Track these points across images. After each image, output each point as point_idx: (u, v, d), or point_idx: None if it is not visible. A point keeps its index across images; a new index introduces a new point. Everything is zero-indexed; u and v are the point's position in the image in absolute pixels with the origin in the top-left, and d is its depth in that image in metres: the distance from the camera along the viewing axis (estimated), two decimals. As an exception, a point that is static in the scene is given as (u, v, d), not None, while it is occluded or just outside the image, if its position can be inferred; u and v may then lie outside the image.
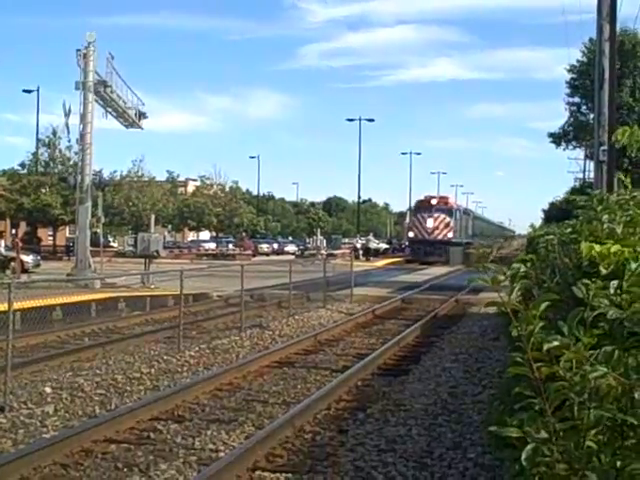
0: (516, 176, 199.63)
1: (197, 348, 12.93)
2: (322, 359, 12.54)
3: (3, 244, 35.96)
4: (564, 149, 38.12)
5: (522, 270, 2.67)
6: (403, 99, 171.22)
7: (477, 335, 15.62)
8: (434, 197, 59.45)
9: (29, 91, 50.51)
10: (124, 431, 7.71)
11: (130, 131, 32.20)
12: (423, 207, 57.72)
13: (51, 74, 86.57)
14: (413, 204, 61.30)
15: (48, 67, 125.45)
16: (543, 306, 2.32)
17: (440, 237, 55.52)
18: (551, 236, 5.95)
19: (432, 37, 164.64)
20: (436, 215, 55.76)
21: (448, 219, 55.91)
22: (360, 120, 67.08)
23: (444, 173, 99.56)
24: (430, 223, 55.69)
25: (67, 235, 60.84)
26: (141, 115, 31.31)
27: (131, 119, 30.46)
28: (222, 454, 7.01)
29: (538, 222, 41.56)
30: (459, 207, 64.67)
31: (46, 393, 9.15)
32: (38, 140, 53.23)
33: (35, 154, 53.83)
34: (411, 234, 58.67)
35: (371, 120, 68.67)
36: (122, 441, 7.38)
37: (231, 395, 9.59)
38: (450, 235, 55.61)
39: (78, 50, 26.62)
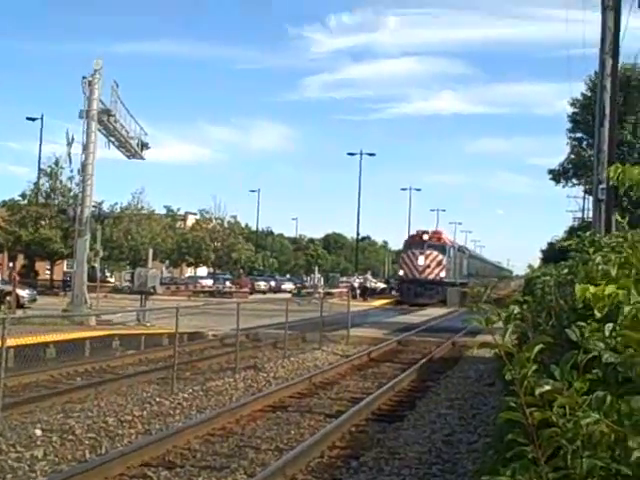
0: (516, 214, 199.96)
1: (191, 390, 12.82)
2: (316, 403, 12.44)
3: (0, 278, 35.87)
4: (563, 186, 38.24)
5: (516, 312, 2.65)
6: (405, 132, 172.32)
7: (473, 380, 15.51)
8: (426, 232, 54.81)
9: (33, 119, 50.74)
10: (114, 477, 7.61)
11: (132, 161, 32.17)
12: (414, 243, 53.66)
13: (55, 101, 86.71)
14: (404, 240, 57.06)
15: (52, 94, 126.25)
16: (537, 349, 2.29)
17: (432, 277, 51.73)
18: (547, 277, 5.94)
19: (436, 69, 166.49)
20: (428, 252, 51.96)
21: (441, 257, 52.21)
22: (361, 154, 67.36)
23: (443, 210, 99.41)
24: (421, 261, 51.83)
25: (64, 269, 60.73)
26: (143, 145, 31.30)
27: (133, 149, 30.42)
28: (212, 504, 6.91)
29: (537, 262, 41.54)
30: (453, 244, 60.89)
31: (36, 436, 9.03)
32: (40, 170, 53.23)
33: (36, 184, 53.74)
34: (401, 272, 54.75)
35: (372, 154, 69.00)
36: (111, 488, 7.28)
37: (224, 440, 9.48)
38: (443, 274, 51.93)
39: (84, 77, 26.44)
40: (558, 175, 37.06)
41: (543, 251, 51.78)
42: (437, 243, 53.29)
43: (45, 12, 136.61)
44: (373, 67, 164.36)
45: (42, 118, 50.51)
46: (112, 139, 28.90)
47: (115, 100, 27.80)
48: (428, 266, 51.68)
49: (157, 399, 11.87)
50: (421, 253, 52.00)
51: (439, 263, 51.96)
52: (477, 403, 12.67)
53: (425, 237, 53.23)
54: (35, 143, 59.91)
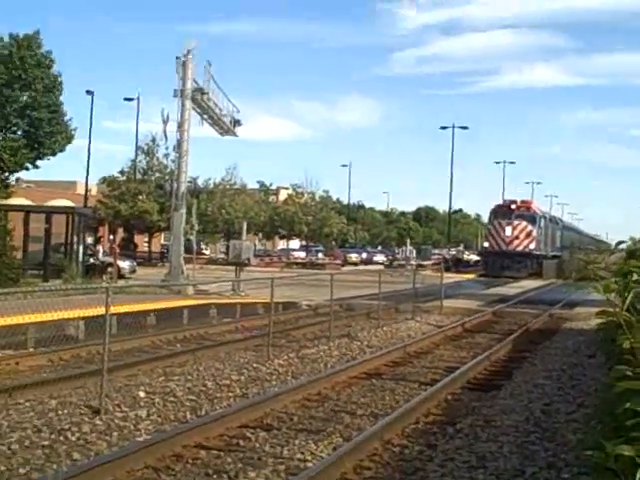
0: (615, 187, 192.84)
1: (286, 357, 13.02)
2: (411, 371, 12.41)
3: (101, 250, 37.22)
4: None
5: (634, 278, 2.54)
6: (499, 106, 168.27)
7: (571, 351, 15.14)
8: (514, 201, 51.52)
9: (130, 99, 52.18)
10: (214, 437, 7.81)
11: (225, 138, 32.78)
12: (501, 213, 50.16)
13: (150, 81, 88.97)
14: (490, 209, 53.06)
15: (147, 74, 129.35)
16: None
17: (520, 248, 48.48)
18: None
19: (528, 42, 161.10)
20: (516, 223, 48.54)
21: (530, 227, 48.65)
22: (453, 128, 66.32)
23: (539, 183, 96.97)
24: (509, 231, 48.47)
25: (162, 242, 62.50)
26: (236, 122, 31.76)
27: (226, 126, 30.95)
28: (310, 464, 7.01)
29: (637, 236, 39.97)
30: (545, 214, 56.24)
31: (139, 397, 9.37)
32: (137, 147, 54.88)
33: (134, 161, 55.48)
34: (486, 244, 51.29)
35: (465, 128, 67.80)
36: (212, 447, 7.48)
37: (319, 405, 9.59)
38: (532, 246, 48.46)
39: (177, 58, 27.05)
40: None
41: (644, 224, 50.48)
42: (526, 213, 49.87)
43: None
44: (464, 41, 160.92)
45: (138, 98, 51.85)
46: (205, 117, 29.45)
47: (208, 79, 28.27)
48: (516, 237, 48.54)
49: (254, 365, 12.11)
50: (508, 224, 48.73)
51: (528, 234, 48.64)
52: (576, 374, 12.37)
53: (513, 207, 50.04)
54: (132, 122, 61.54)
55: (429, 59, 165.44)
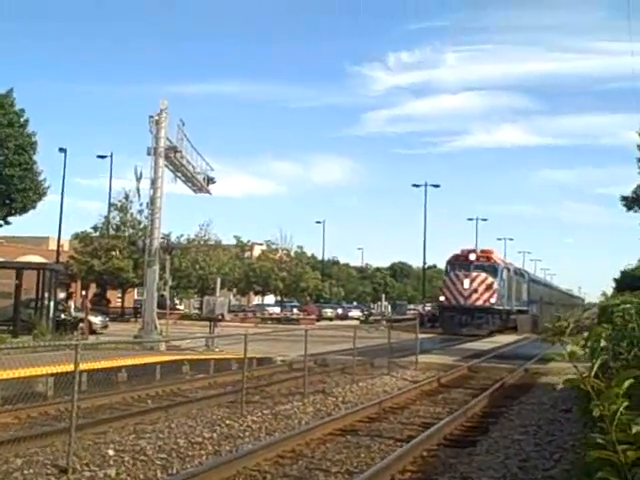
0: (586, 243, 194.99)
1: (260, 413, 12.79)
2: (386, 427, 12.24)
3: (73, 305, 36.77)
4: (635, 211, 37.47)
5: (602, 344, 2.51)
6: (468, 165, 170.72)
7: (548, 406, 15.05)
8: (473, 251, 47.99)
9: (103, 156, 52.30)
10: (184, 497, 7.60)
11: (198, 196, 32.88)
12: (459, 263, 46.45)
13: (123, 140, 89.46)
14: (446, 260, 48.93)
15: (120, 133, 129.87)
16: (626, 384, 2.15)
17: (479, 303, 44.47)
18: (628, 305, 5.72)
19: (497, 103, 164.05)
20: (475, 274, 44.92)
21: (491, 279, 44.91)
22: (426, 186, 67.10)
23: (511, 239, 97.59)
24: (467, 284, 44.61)
25: (135, 297, 61.93)
26: (209, 180, 31.94)
27: (200, 184, 31.10)
28: (283, 524, 6.82)
29: (609, 290, 40.33)
30: (508, 265, 51.83)
31: (109, 455, 9.12)
32: (110, 204, 54.82)
33: (107, 217, 55.38)
34: (442, 298, 46.60)
35: (437, 186, 68.60)
36: (182, 507, 7.26)
37: (293, 463, 9.40)
38: (493, 300, 44.42)
39: (151, 117, 27.42)
40: (632, 202, 36.57)
41: (616, 279, 49.10)
42: (486, 264, 46.13)
43: (111, 57, 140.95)
44: (434, 102, 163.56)
45: (111, 156, 52.07)
46: (179, 174, 29.64)
47: (181, 137, 28.57)
48: (475, 290, 44.70)
49: (227, 422, 11.87)
50: (466, 275, 45.04)
51: (489, 287, 44.86)
52: (553, 429, 12.26)
53: (472, 257, 46.28)
54: (105, 179, 61.57)
55: (400, 119, 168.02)
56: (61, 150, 44.36)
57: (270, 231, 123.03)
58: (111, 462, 8.87)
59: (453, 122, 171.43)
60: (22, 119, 41.07)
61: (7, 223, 42.16)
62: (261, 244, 77.27)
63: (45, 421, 12.03)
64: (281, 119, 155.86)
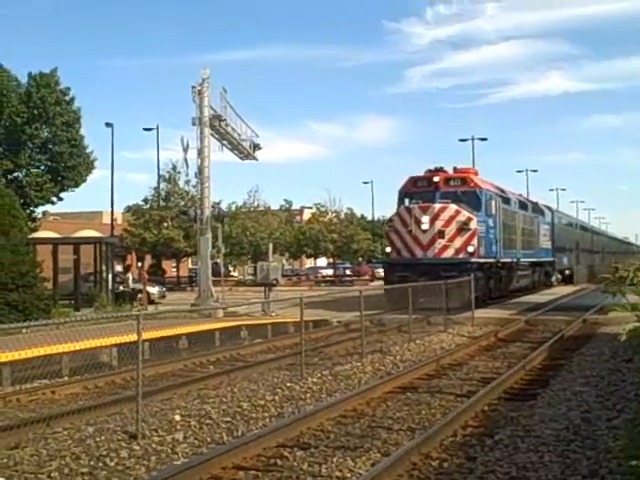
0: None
1: (319, 375, 12.96)
2: (446, 384, 12.30)
3: (131, 277, 37.50)
4: None
5: None
6: (515, 116, 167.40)
7: (608, 357, 14.92)
8: (440, 170, 29.10)
9: (149, 129, 52.74)
10: (251, 458, 7.78)
11: (245, 163, 33.04)
12: (418, 193, 28.70)
13: (168, 112, 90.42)
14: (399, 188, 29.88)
15: (165, 105, 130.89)
16: None
17: (448, 254, 26.91)
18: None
19: (540, 51, 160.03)
20: (440, 206, 27.23)
21: (466, 214, 27.16)
22: (473, 140, 65.96)
23: (563, 189, 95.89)
24: (426, 223, 26.97)
25: (190, 266, 62.86)
26: (255, 146, 32.03)
27: (246, 151, 31.23)
28: (349, 481, 6.95)
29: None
30: (504, 193, 33.18)
31: (175, 421, 9.37)
32: (159, 176, 55.44)
33: (157, 189, 56.05)
34: (388, 250, 28.82)
35: (484, 139, 67.37)
36: (250, 468, 7.45)
37: (355, 422, 9.53)
38: (471, 249, 26.79)
39: (193, 87, 27.55)
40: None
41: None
42: (461, 189, 28.34)
43: (151, 29, 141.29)
44: (475, 54, 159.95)
45: (157, 128, 52.44)
46: (225, 142, 29.79)
47: (225, 105, 28.64)
48: (440, 233, 26.94)
49: (287, 384, 12.07)
50: (425, 209, 27.25)
51: (463, 226, 26.94)
52: (614, 380, 12.17)
53: (437, 179, 28.27)
54: (151, 152, 62.28)
55: (443, 73, 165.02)
56: (108, 125, 44.87)
57: (319, 194, 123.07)
58: (178, 427, 9.11)
59: (497, 73, 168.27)
60: (67, 97, 41.67)
61: (60, 199, 43.06)
62: (310, 208, 77.39)
63: (112, 390, 12.40)
64: (322, 81, 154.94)
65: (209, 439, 8.69)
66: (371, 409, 10.30)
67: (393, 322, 21.59)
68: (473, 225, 27.14)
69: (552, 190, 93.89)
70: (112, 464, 7.57)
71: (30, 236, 28.34)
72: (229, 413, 9.92)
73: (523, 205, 37.11)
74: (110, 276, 30.34)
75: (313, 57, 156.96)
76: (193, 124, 27.63)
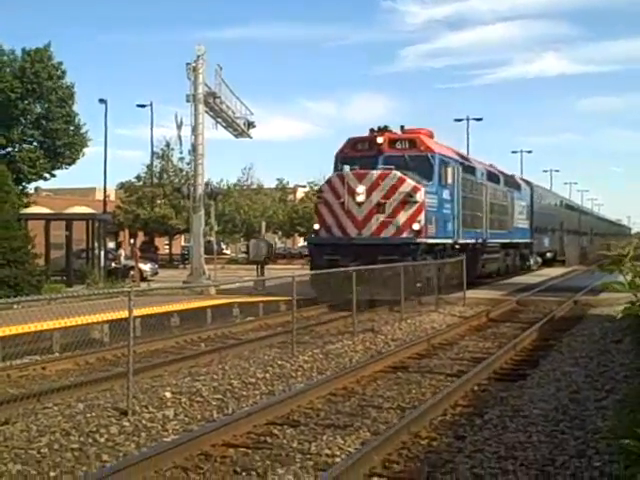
0: (636, 172, 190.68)
1: (310, 353, 13.00)
2: (436, 363, 12.35)
3: (123, 254, 37.45)
4: None
5: None
6: (510, 97, 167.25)
7: (598, 337, 15.00)
8: (385, 130, 23.68)
9: (142, 105, 52.40)
10: (241, 435, 7.81)
11: (239, 140, 32.93)
12: (357, 157, 23.30)
13: (161, 88, 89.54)
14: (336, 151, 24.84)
15: (159, 81, 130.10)
16: None
17: (386, 233, 21.88)
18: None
19: (536, 32, 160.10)
20: (379, 173, 22.10)
21: (412, 184, 21.88)
22: (468, 120, 65.76)
23: (557, 171, 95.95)
24: (361, 194, 21.91)
25: (182, 244, 62.79)
26: (249, 124, 31.92)
27: (240, 128, 31.12)
28: (338, 459, 6.99)
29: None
30: (466, 160, 27.94)
31: (166, 398, 9.38)
32: (153, 153, 55.20)
33: (150, 166, 55.82)
34: (316, 227, 23.46)
35: (479, 119, 67.19)
36: (240, 445, 7.48)
37: (345, 400, 9.57)
38: (417, 227, 21.61)
39: (188, 63, 27.45)
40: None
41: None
42: (409, 154, 23.24)
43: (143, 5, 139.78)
44: (470, 34, 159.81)
45: (151, 104, 52.10)
46: (219, 120, 29.69)
47: (219, 83, 28.54)
48: (379, 206, 21.86)
49: (279, 362, 12.10)
50: (362, 177, 22.07)
51: (407, 199, 21.73)
52: (604, 360, 12.24)
53: (380, 140, 23.23)
54: (145, 129, 61.90)
55: (438, 53, 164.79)
56: (101, 101, 44.55)
57: (312, 173, 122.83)
58: (169, 404, 9.13)
59: (492, 54, 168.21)
60: (60, 71, 41.36)
61: (53, 176, 42.91)
62: (304, 186, 77.27)
63: (103, 366, 12.41)
64: (316, 59, 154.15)
65: (199, 416, 8.71)
66: (361, 388, 10.34)
67: (384, 302, 21.61)
68: (420, 197, 21.74)
69: (545, 171, 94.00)
70: (102, 440, 7.59)
71: (22, 212, 28.26)
72: (220, 390, 9.94)
73: (493, 177, 31.46)
74: (102, 253, 30.30)
75: (308, 35, 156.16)
76: (187, 101, 27.59)
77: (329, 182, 23.23)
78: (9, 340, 12.74)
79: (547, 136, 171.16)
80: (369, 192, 21.84)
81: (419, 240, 21.52)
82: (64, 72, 41.46)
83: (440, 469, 6.67)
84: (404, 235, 21.63)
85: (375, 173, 22.04)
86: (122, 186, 59.55)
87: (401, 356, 12.75)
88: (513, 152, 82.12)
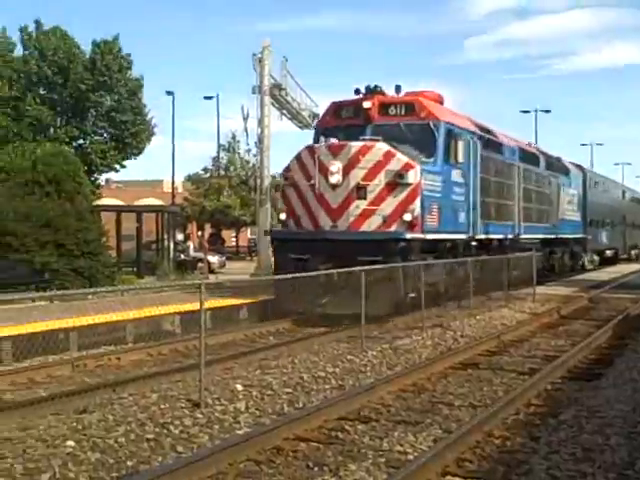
0: None
1: (379, 348, 12.95)
2: (507, 361, 12.16)
3: (192, 246, 38.01)
4: None
5: None
6: (579, 88, 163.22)
7: (676, 337, 14.54)
8: (375, 91, 18.17)
9: (209, 97, 52.97)
10: (313, 430, 7.82)
11: (305, 132, 32.96)
12: (340, 126, 18.51)
13: (228, 80, 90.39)
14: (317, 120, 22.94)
15: (225, 74, 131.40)
16: None
17: (368, 226, 16.55)
18: None
19: (605, 20, 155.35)
20: (358, 146, 16.62)
21: (403, 161, 16.47)
22: (536, 112, 64.41)
23: (628, 164, 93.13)
24: (336, 174, 16.48)
25: (249, 236, 63.36)
26: (315, 116, 31.87)
27: (305, 120, 31.14)
28: (411, 457, 6.94)
29: None
30: (488, 132, 21.72)
31: (237, 390, 9.48)
32: (219, 145, 55.79)
33: (216, 158, 56.43)
34: (282, 216, 18.15)
35: (547, 111, 65.77)
36: (312, 439, 7.49)
37: (416, 396, 9.51)
38: (408, 218, 16.23)
39: (254, 55, 27.56)
40: None
41: None
42: (405, 121, 17.93)
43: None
44: (538, 23, 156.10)
45: (217, 97, 52.61)
46: (284, 112, 29.72)
47: (285, 75, 28.54)
48: (357, 191, 16.62)
49: (348, 357, 12.09)
50: (336, 151, 16.84)
51: (397, 180, 16.43)
52: (682, 361, 11.86)
53: (367, 105, 17.91)
54: (211, 120, 62.62)
55: (504, 43, 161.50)
56: (169, 93, 45.32)
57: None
58: (240, 396, 9.22)
59: (560, 43, 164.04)
60: (128, 64, 42.21)
61: (123, 167, 43.85)
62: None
63: (175, 358, 12.60)
64: (381, 49, 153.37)
65: (270, 410, 8.77)
66: (431, 384, 10.26)
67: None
68: (414, 177, 16.38)
69: (617, 165, 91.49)
70: (176, 432, 7.70)
71: (94, 203, 28.92)
72: (290, 384, 10.00)
73: (529, 157, 25.67)
74: (172, 245, 30.82)
75: (374, 26, 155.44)
76: (253, 92, 27.70)
77: (298, 158, 17.61)
78: (85, 330, 13.07)
79: (619, 128, 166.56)
80: (346, 171, 16.47)
81: (411, 235, 16.26)
82: (131, 63, 42.28)
83: (515, 469, 6.56)
84: (392, 229, 16.42)
85: (354, 146, 16.60)
86: (189, 178, 60.42)
87: (471, 353, 12.60)
88: (583, 145, 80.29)
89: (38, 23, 41.72)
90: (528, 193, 25.06)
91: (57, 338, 12.51)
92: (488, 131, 21.90)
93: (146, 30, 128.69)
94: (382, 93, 18.42)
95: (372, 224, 16.58)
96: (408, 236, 16.22)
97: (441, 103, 19.97)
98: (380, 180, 16.49)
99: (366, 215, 16.58)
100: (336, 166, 16.49)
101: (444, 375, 10.87)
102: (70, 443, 7.15)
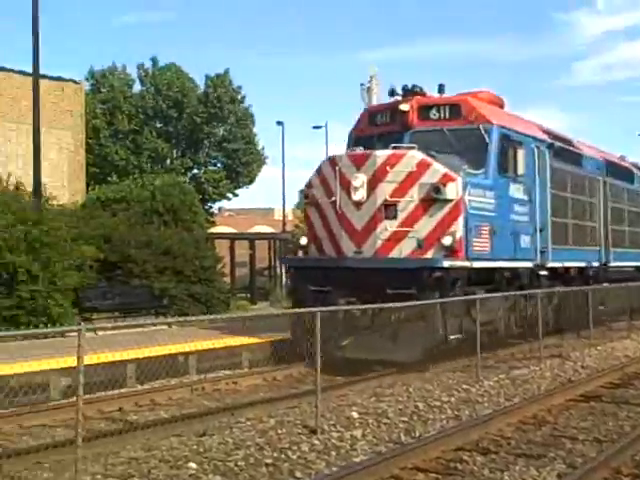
0: None
1: (496, 378, 12.65)
2: (633, 394, 11.60)
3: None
4: None
5: None
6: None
7: None
8: (415, 93, 15.91)
9: (318, 127, 53.72)
10: (430, 460, 7.69)
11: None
12: (375, 134, 15.80)
13: (335, 110, 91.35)
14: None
15: (333, 101, 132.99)
16: None
17: (398, 252, 13.70)
18: None
19: None
20: (386, 155, 13.85)
21: (441, 172, 13.61)
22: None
23: None
24: (360, 189, 13.75)
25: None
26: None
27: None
28: (534, 492, 6.72)
29: None
30: (562, 141, 18.41)
31: (353, 417, 9.46)
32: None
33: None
34: (303, 240, 15.48)
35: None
36: (430, 470, 7.36)
37: (536, 429, 9.20)
38: (447, 242, 13.45)
39: (362, 84, 27.79)
40: None
41: None
42: (452, 126, 15.05)
43: (316, 26, 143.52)
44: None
45: (326, 125, 53.31)
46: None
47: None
48: (386, 210, 13.84)
49: (463, 386, 11.86)
50: (359, 161, 14.07)
51: (432, 196, 13.60)
52: None
53: (405, 108, 15.39)
54: (321, 148, 63.32)
55: (614, 66, 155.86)
56: (279, 123, 46.23)
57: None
58: (356, 424, 9.19)
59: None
60: (240, 95, 43.63)
61: (235, 195, 45.08)
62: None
63: (289, 383, 12.72)
64: (487, 74, 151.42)
65: (387, 438, 8.69)
66: (552, 417, 9.91)
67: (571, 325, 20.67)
68: (454, 192, 13.59)
69: None
70: (294, 457, 7.75)
71: (209, 231, 29.80)
72: (405, 413, 9.89)
73: (619, 172, 21.94)
74: (283, 271, 31.27)
75: (481, 51, 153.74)
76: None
77: (319, 172, 14.98)
78: (203, 354, 13.40)
79: None
80: (372, 185, 13.83)
81: (450, 263, 13.35)
82: (244, 97, 43.71)
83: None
84: (427, 255, 13.62)
85: (380, 155, 13.91)
86: (299, 206, 61.26)
87: (593, 385, 12.10)
88: None
89: (154, 60, 43.75)
90: (619, 213, 21.70)
91: (177, 362, 12.88)
92: (560, 138, 18.64)
93: (256, 64, 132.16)
94: (422, 94, 16.01)
95: (404, 249, 13.75)
96: (446, 264, 13.26)
97: (500, 107, 16.92)
98: (413, 196, 13.71)
99: (397, 239, 13.80)
100: (360, 180, 13.81)
101: (565, 407, 10.48)
102: (192, 465, 7.32)
